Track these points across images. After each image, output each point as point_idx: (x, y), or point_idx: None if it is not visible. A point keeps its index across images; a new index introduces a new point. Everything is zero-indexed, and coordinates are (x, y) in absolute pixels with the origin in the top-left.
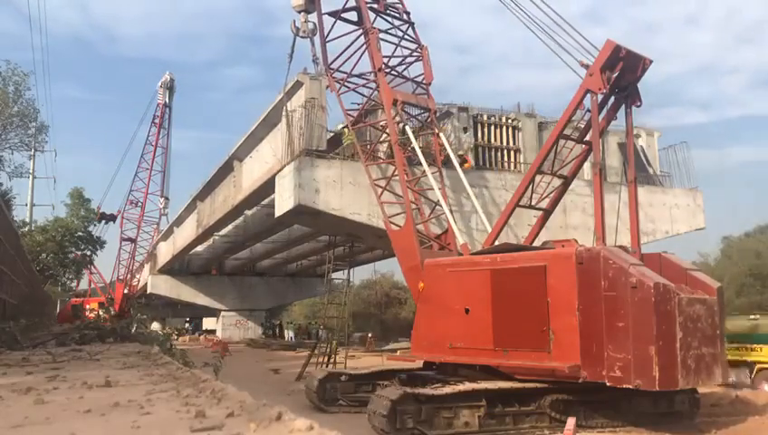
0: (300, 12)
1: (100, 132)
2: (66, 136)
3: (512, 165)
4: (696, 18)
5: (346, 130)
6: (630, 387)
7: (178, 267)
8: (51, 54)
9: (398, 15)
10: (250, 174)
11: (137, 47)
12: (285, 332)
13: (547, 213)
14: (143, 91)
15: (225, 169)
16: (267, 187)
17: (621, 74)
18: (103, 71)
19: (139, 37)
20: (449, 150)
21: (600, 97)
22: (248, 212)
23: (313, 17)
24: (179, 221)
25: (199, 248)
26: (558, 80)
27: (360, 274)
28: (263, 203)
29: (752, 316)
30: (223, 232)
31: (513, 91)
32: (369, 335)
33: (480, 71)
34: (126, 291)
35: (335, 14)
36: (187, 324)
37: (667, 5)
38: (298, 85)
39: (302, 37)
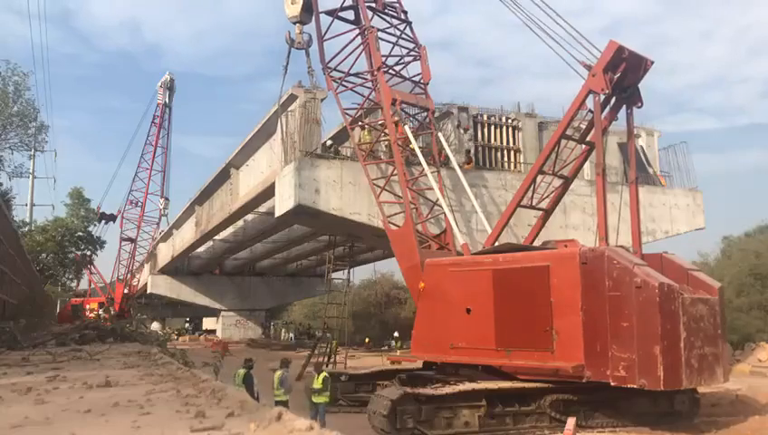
0: (295, 23)
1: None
2: (101, 142)
3: (512, 165)
4: (711, 32)
5: (365, 131)
6: (635, 387)
7: (178, 267)
8: (101, 69)
9: (395, 15)
10: (246, 182)
11: (182, 62)
12: (282, 332)
13: (547, 213)
14: (181, 101)
15: (222, 176)
16: (264, 196)
17: (623, 75)
18: (147, 83)
19: (186, 54)
20: (448, 151)
21: (602, 97)
22: (247, 216)
23: (308, 28)
24: (179, 224)
25: (200, 249)
26: (574, 88)
27: (360, 274)
28: (260, 211)
29: None
30: (222, 235)
31: (529, 100)
32: (367, 340)
33: (499, 82)
34: (126, 291)
35: (333, 13)
36: (186, 324)
37: (682, 22)
38: (293, 98)
39: (297, 48)
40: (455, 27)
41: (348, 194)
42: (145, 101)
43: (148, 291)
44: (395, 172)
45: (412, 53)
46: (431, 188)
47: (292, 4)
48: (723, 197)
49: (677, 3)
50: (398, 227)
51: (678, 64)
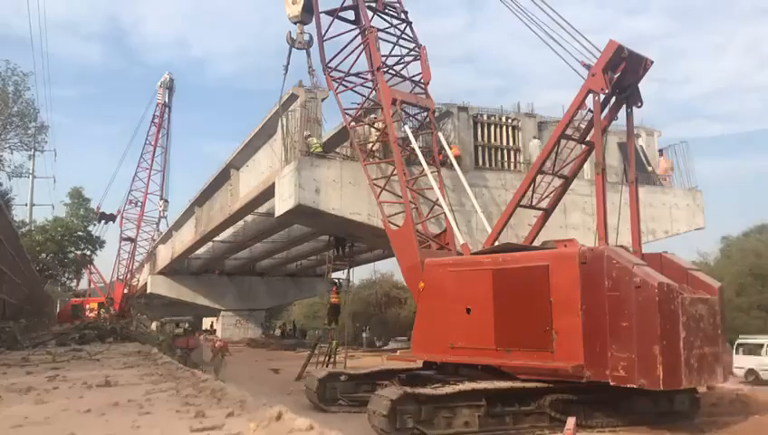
0: (296, 23)
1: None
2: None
3: (512, 165)
4: (724, 45)
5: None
6: (634, 386)
7: (178, 268)
8: (146, 83)
9: (395, 14)
10: (246, 183)
11: (223, 77)
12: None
13: (547, 213)
14: (222, 111)
15: (222, 177)
16: (264, 196)
17: (623, 75)
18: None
19: (228, 69)
20: (447, 150)
21: (601, 97)
22: (247, 217)
23: (309, 28)
24: (178, 225)
25: (200, 250)
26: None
27: (360, 274)
28: (260, 211)
29: None
30: (222, 236)
31: (545, 107)
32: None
33: (516, 91)
34: (126, 291)
35: (333, 13)
36: (186, 324)
37: (697, 37)
38: (293, 98)
39: (297, 48)
40: (479, 43)
41: (348, 194)
42: (182, 108)
43: (148, 291)
44: (395, 172)
45: (412, 52)
46: (431, 188)
47: (292, 3)
48: (729, 198)
49: (693, 19)
50: (398, 226)
51: (692, 75)
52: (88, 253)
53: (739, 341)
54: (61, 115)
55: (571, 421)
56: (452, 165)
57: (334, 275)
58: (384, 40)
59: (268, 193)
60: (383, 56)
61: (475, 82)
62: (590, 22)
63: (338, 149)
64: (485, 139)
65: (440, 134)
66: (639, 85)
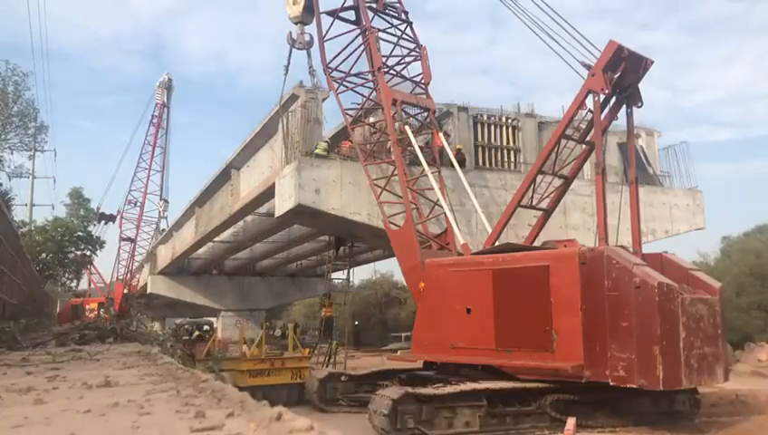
0: (296, 23)
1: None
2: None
3: (512, 165)
4: (732, 57)
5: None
6: (634, 387)
7: (178, 268)
8: (183, 91)
9: (396, 15)
10: (247, 183)
11: (255, 90)
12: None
13: (547, 213)
14: (244, 117)
15: (223, 177)
16: (264, 196)
17: (623, 75)
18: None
19: (256, 82)
20: (448, 150)
21: (601, 97)
22: (247, 217)
23: (309, 29)
24: (178, 226)
25: (200, 250)
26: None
27: (360, 274)
28: (260, 212)
29: None
30: (222, 236)
31: (556, 110)
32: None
33: (531, 98)
34: (126, 291)
35: (333, 14)
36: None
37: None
38: (294, 98)
39: (298, 49)
40: (496, 55)
41: (348, 194)
42: (205, 115)
43: (148, 291)
44: (395, 172)
45: (413, 53)
46: (431, 188)
47: (293, 4)
48: (732, 199)
49: (704, 33)
50: (398, 226)
51: (701, 84)
52: (88, 253)
53: None
54: (90, 122)
55: (571, 422)
56: (458, 163)
57: (334, 275)
58: (385, 40)
59: (268, 193)
60: (384, 56)
61: (492, 90)
62: (603, 35)
63: (338, 150)
64: (485, 139)
65: (442, 135)
66: (640, 85)
